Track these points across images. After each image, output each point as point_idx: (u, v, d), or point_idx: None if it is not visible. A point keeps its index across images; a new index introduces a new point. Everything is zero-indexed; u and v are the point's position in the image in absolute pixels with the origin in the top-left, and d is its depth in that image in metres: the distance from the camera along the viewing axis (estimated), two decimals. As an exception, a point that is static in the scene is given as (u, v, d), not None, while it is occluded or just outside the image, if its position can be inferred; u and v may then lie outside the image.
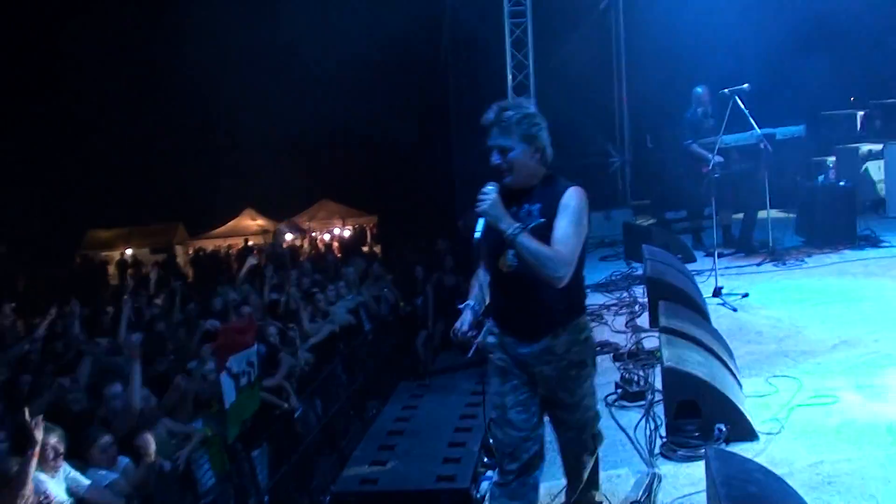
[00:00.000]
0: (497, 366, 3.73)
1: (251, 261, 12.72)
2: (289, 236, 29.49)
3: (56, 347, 9.03)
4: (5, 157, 31.18)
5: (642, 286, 8.12)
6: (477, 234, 3.51)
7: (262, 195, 34.75)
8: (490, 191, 3.48)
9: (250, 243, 30.61)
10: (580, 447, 3.85)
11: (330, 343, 9.99)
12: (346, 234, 32.03)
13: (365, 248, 26.30)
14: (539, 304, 3.55)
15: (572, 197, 3.46)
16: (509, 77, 13.75)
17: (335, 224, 33.04)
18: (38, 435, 4.48)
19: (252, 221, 33.80)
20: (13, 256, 30.98)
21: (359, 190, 32.59)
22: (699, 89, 9.91)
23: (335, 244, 28.59)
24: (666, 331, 5.17)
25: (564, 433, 3.82)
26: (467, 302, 3.69)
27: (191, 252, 33.17)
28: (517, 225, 3.38)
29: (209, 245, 33.23)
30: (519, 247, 3.36)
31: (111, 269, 31.10)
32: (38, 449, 4.48)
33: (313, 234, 31.60)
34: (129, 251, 33.56)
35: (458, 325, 3.60)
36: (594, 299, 8.53)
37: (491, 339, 3.74)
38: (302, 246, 30.07)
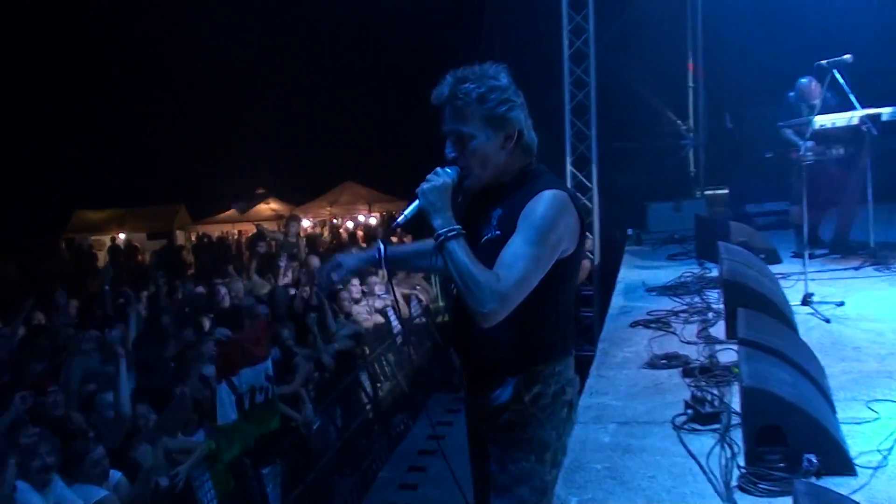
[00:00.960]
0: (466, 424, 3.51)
1: (261, 248, 12.78)
2: (305, 223, 29.56)
3: (39, 344, 9.12)
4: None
5: (717, 290, 8.06)
6: (400, 218, 3.21)
7: (277, 175, 34.88)
8: (444, 173, 3.14)
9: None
10: None
11: (353, 347, 10.05)
12: (373, 221, 32.02)
13: (394, 239, 26.35)
14: (482, 336, 3.10)
15: (540, 204, 3.04)
16: (565, 44, 13.67)
17: (360, 210, 33.00)
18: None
19: (265, 205, 33.74)
20: None
21: (387, 172, 32.52)
22: (804, 80, 9.71)
23: (359, 233, 28.63)
24: (745, 343, 5.12)
25: None
26: (378, 242, 3.38)
27: (194, 238, 33.39)
28: (455, 227, 3.03)
29: (215, 231, 33.38)
30: (446, 256, 3.01)
31: (101, 256, 31.46)
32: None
33: (334, 220, 31.54)
34: (122, 235, 33.72)
35: (330, 266, 3.47)
36: (660, 304, 8.48)
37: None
38: (322, 234, 30.18)
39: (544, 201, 3.03)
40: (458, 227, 3.04)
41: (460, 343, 3.34)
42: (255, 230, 30.61)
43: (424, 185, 3.10)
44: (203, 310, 10.18)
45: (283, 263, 11.24)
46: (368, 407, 9.59)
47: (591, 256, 13.38)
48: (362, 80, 30.14)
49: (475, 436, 3.46)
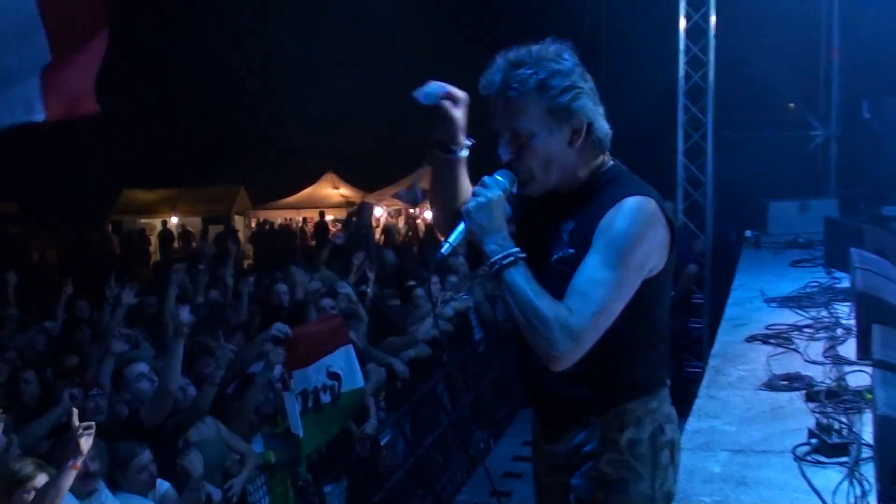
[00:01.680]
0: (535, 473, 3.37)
1: (339, 239, 12.85)
2: (378, 211, 29.43)
3: (79, 338, 9.34)
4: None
5: (848, 303, 7.91)
6: (444, 248, 3.01)
7: (349, 157, 35.08)
8: (494, 183, 2.96)
9: (329, 217, 30.89)
10: None
11: (430, 353, 10.07)
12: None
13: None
14: (556, 372, 2.88)
15: (620, 216, 2.85)
16: (681, 18, 13.51)
17: (442, 199, 33.03)
18: (85, 445, 4.60)
19: (333, 190, 34.00)
20: (26, 219, 31.83)
21: (478, 158, 32.45)
22: None
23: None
24: (881, 365, 5.00)
25: None
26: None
27: (254, 225, 33.75)
28: (511, 251, 2.85)
29: (277, 216, 33.77)
30: (503, 289, 2.85)
31: (153, 241, 31.92)
32: (79, 462, 4.62)
33: (411, 210, 31.50)
34: (174, 219, 34.26)
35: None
36: (781, 317, 8.33)
37: None
38: (397, 225, 30.29)
39: (626, 212, 2.85)
40: (516, 250, 2.87)
41: (528, 376, 3.19)
42: (319, 217, 31.07)
43: (470, 203, 2.92)
44: (262, 304, 10.31)
45: (358, 259, 11.22)
46: (446, 421, 9.60)
47: (702, 259, 13.23)
48: (450, 46, 30.14)
49: (547, 491, 3.29)
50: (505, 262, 2.83)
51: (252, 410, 7.11)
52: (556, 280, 2.86)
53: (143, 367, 6.79)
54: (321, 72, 36.96)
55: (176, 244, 31.71)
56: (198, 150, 36.88)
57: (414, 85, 3.12)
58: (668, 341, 3.20)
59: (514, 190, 3.02)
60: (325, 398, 7.22)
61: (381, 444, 8.37)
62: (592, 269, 2.80)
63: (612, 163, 3.09)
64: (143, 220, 34.31)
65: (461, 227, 2.94)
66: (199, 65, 33.31)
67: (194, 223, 34.34)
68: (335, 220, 30.11)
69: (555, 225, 3.02)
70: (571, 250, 2.91)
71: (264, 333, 7.65)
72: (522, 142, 2.94)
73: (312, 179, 34.51)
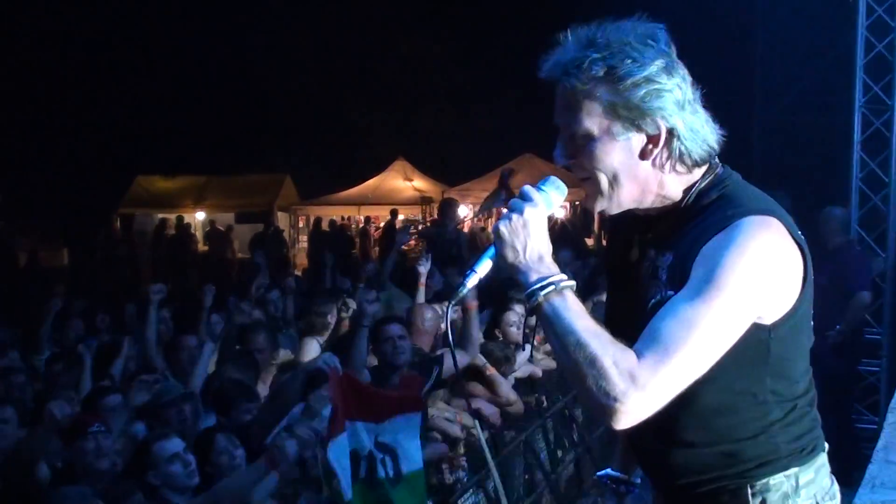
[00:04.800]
0: None
1: (422, 266, 12.81)
2: (463, 210, 29.37)
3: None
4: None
5: None
6: (466, 279, 2.99)
7: (424, 141, 35.03)
8: (532, 196, 2.93)
9: (401, 217, 30.87)
10: None
11: (525, 396, 10.06)
12: (559, 213, 31.99)
13: (589, 241, 26.26)
14: (667, 435, 2.97)
15: (729, 240, 2.78)
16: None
17: (544, 196, 32.92)
18: None
19: (405, 181, 34.01)
20: (16, 215, 31.82)
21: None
22: None
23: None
24: None
25: None
26: None
27: (301, 223, 33.67)
28: (552, 278, 2.80)
29: (332, 214, 33.77)
30: (545, 326, 2.80)
31: (198, 237, 31.94)
32: None
33: (504, 209, 31.37)
34: (199, 215, 34.24)
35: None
36: None
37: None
38: (486, 228, 30.28)
39: (736, 235, 2.77)
40: (561, 276, 2.81)
41: (638, 445, 3.22)
42: (389, 216, 30.79)
43: (500, 222, 2.92)
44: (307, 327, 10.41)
45: (423, 267, 11.10)
46: (543, 486, 9.60)
47: (881, 284, 13.02)
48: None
49: None
50: (544, 291, 2.78)
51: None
52: None
53: (177, 445, 6.71)
54: (388, 34, 37.00)
55: (201, 245, 31.65)
56: (232, 129, 36.85)
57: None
58: (809, 397, 3.13)
59: (561, 202, 3.02)
60: (382, 472, 7.19)
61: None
62: (677, 304, 2.76)
63: (720, 171, 3.04)
64: (159, 215, 33.82)
65: (490, 251, 2.94)
66: (237, 29, 33.66)
67: (225, 220, 33.97)
68: (405, 221, 30.04)
69: (651, 260, 3.00)
70: (671, 292, 2.85)
71: (308, 363, 7.66)
72: (579, 144, 2.92)
73: (378, 168, 34.52)
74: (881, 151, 13.03)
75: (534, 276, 2.79)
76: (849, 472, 3.86)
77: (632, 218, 3.07)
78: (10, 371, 8.89)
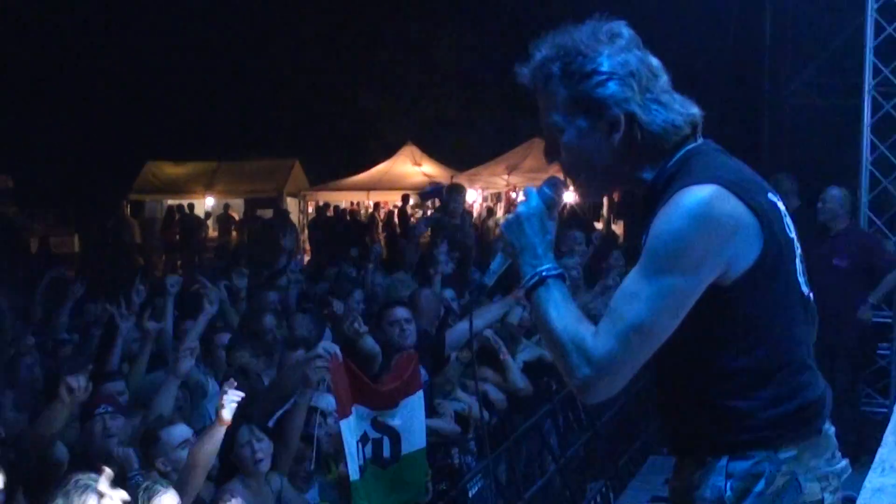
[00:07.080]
0: None
1: (420, 229, 12.83)
2: (471, 195, 29.23)
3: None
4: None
5: None
6: (487, 277, 3.36)
7: (433, 127, 35.01)
8: (533, 194, 3.25)
9: (412, 202, 30.85)
10: None
11: (534, 380, 10.04)
12: (571, 198, 31.79)
13: (598, 224, 26.19)
14: (669, 398, 3.27)
15: (664, 215, 2.98)
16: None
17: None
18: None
19: (413, 166, 33.78)
20: (28, 201, 31.91)
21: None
22: None
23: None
24: None
25: None
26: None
27: (311, 209, 33.74)
28: (540, 270, 3.09)
29: (341, 199, 33.87)
30: (532, 306, 3.11)
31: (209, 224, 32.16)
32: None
33: (513, 193, 31.34)
34: (209, 200, 34.45)
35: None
36: None
37: None
38: (495, 212, 30.26)
39: (671, 208, 2.95)
40: (546, 267, 3.07)
41: (660, 399, 3.35)
42: (397, 201, 30.78)
43: (503, 223, 3.23)
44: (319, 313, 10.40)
45: (442, 255, 11.12)
46: (552, 468, 9.59)
47: (893, 267, 12.94)
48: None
49: None
50: (531, 283, 3.06)
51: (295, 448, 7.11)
52: None
53: (185, 431, 6.67)
54: (398, 19, 36.99)
55: (210, 232, 31.76)
56: (241, 115, 36.93)
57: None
58: (804, 363, 3.15)
59: (557, 198, 3.25)
60: (386, 452, 7.23)
61: (469, 495, 8.37)
62: (626, 280, 2.98)
63: (691, 146, 3.16)
64: (169, 201, 34.13)
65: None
66: (246, 14, 33.63)
67: (235, 206, 34.37)
68: (414, 206, 30.03)
69: (642, 241, 3.11)
70: None
71: (310, 353, 7.70)
72: (556, 139, 3.20)
73: (387, 153, 34.45)
74: (891, 134, 12.98)
75: (526, 269, 3.09)
76: (856, 457, 3.84)
77: (641, 201, 3.21)
78: (23, 354, 8.86)
